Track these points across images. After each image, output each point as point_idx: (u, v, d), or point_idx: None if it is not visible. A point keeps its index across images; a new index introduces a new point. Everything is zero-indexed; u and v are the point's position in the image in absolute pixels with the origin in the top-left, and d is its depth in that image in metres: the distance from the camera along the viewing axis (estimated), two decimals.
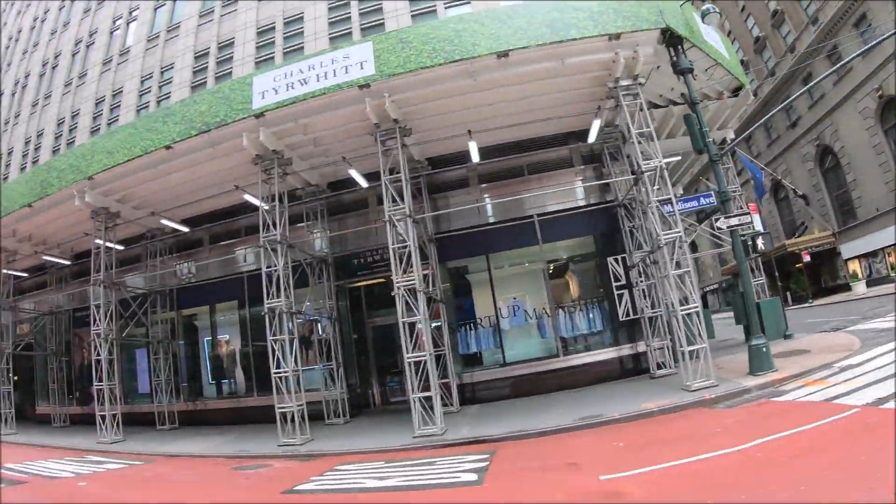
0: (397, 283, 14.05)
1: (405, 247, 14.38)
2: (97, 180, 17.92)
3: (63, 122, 31.33)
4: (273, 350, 14.94)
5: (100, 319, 18.23)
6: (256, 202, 17.76)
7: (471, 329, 18.55)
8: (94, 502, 10.09)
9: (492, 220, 19.00)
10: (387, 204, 14.69)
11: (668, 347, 17.03)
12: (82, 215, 19.64)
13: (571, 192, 18.92)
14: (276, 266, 15.37)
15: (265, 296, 15.27)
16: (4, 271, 23.05)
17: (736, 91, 19.99)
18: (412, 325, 14.06)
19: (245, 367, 20.94)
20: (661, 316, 17.04)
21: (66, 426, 24.14)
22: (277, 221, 15.73)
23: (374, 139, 15.76)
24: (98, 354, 18.20)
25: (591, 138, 18.15)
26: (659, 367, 16.90)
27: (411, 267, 14.23)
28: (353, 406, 18.22)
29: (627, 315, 17.49)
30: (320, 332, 18.46)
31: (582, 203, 18.75)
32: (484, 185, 19.28)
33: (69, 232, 21.94)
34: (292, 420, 14.67)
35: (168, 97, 26.61)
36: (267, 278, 15.36)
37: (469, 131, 16.68)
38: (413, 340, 13.98)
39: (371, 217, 19.53)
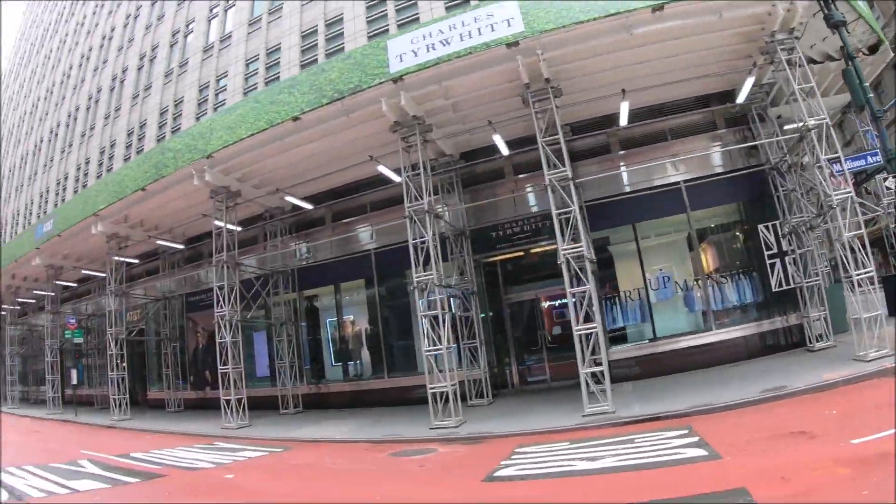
0: (563, 251, 13.07)
1: (569, 212, 13.29)
2: (217, 158, 17.42)
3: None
4: (424, 327, 14.07)
5: (223, 301, 17.68)
6: (390, 173, 17.12)
7: (614, 304, 17.32)
8: (280, 502, 9.10)
9: (628, 189, 17.66)
10: (546, 168, 13.81)
11: (825, 319, 15.48)
12: (198, 196, 19.32)
13: (714, 157, 17.47)
14: (423, 237, 14.45)
15: (413, 269, 14.38)
16: (116, 258, 22.84)
17: (873, 49, 18.28)
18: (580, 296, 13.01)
19: (373, 348, 20.18)
20: (819, 285, 15.57)
21: (181, 411, 24.02)
22: (424, 189, 14.74)
23: (520, 101, 14.89)
24: (222, 337, 17.71)
25: (741, 98, 16.58)
26: (817, 340, 15.34)
27: (577, 234, 13.17)
28: (491, 386, 17.18)
29: (780, 285, 15.93)
30: (453, 309, 17.43)
31: (726, 168, 17.18)
32: (622, 152, 17.93)
33: (184, 215, 21.75)
34: (444, 401, 13.72)
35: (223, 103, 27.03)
36: (414, 250, 14.47)
37: (623, 90, 15.39)
38: (582, 311, 12.88)
39: (507, 187, 18.57)
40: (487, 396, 16.54)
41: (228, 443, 15.10)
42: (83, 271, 27.88)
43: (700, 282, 17.03)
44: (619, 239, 17.92)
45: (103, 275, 27.59)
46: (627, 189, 17.60)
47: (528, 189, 18.59)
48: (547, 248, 17.62)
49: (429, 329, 14.03)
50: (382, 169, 17.05)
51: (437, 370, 13.88)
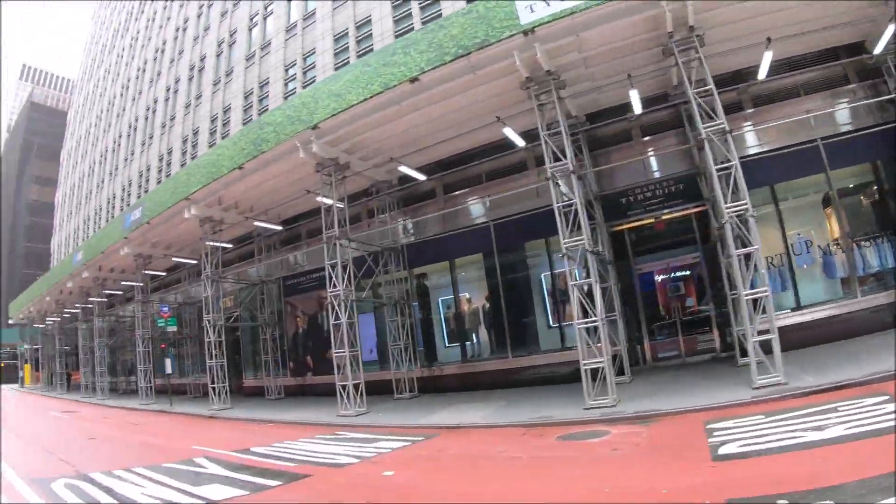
0: (728, 210, 11.79)
1: (729, 167, 11.99)
2: (324, 128, 16.26)
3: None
4: (576, 297, 12.64)
5: (337, 279, 16.59)
6: (515, 136, 15.83)
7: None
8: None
9: (762, 148, 15.92)
10: (700, 121, 12.47)
11: None
12: (301, 172, 18.39)
13: (850, 112, 15.57)
14: (570, 200, 13.05)
15: (561, 234, 12.88)
16: (209, 243, 22.11)
17: None
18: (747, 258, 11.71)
19: (491, 326, 18.90)
20: None
21: (281, 398, 23.26)
22: (567, 149, 13.30)
23: (654, 55, 13.86)
24: (336, 318, 16.60)
25: (879, 48, 14.75)
26: None
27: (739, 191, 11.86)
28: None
29: None
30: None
31: (863, 125, 15.27)
32: (751, 110, 16.14)
33: (281, 194, 20.87)
34: (593, 378, 12.36)
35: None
36: (560, 214, 13.01)
37: (769, 39, 13.73)
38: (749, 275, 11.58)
39: (634, 150, 17.08)
40: (626, 373, 15.06)
41: (354, 432, 13.82)
42: (173, 259, 27.49)
43: (841, 246, 15.22)
44: (755, 202, 16.25)
45: (194, 262, 27.28)
46: (764, 148, 15.87)
47: (659, 151, 17.06)
48: (680, 213, 16.62)
49: (581, 299, 12.63)
50: (508, 132, 15.70)
51: (593, 344, 12.50)
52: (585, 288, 12.72)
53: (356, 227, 20.38)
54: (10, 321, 58.92)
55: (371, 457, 10.39)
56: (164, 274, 30.59)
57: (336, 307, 16.62)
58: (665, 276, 17.62)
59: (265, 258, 24.53)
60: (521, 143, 16.41)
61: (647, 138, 17.28)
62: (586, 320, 12.48)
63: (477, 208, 19.31)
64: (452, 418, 13.81)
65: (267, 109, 27.85)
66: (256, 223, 22.31)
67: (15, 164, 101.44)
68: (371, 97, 15.06)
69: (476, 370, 18.71)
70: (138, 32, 51.60)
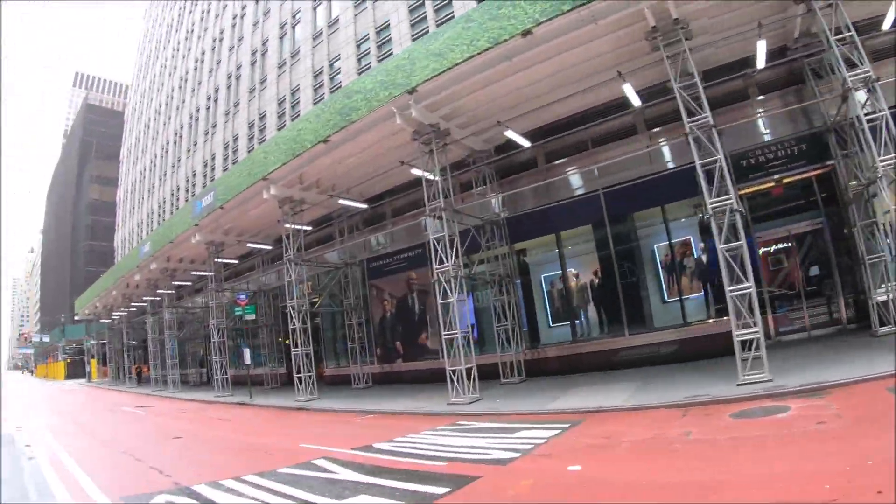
0: (882, 163, 10.67)
1: (877, 119, 10.82)
2: (422, 91, 14.91)
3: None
4: (724, 262, 11.23)
5: (445, 255, 15.26)
6: (633, 94, 14.44)
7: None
8: None
9: None
10: (843, 69, 11.44)
11: None
12: (392, 142, 17.26)
13: None
14: (713, 157, 11.54)
15: (705, 194, 11.46)
16: (289, 225, 21.04)
17: None
18: None
19: (603, 304, 17.52)
20: None
21: (369, 387, 22.19)
22: (704, 101, 11.81)
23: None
24: (444, 297, 15.26)
25: None
26: None
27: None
28: None
29: None
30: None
31: None
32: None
33: (367, 169, 19.78)
34: (748, 348, 11.00)
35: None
36: (702, 173, 11.54)
37: None
38: None
39: (744, 112, 15.46)
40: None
41: (478, 421, 12.31)
42: (248, 245, 26.65)
43: None
44: None
45: (268, 247, 26.42)
46: None
47: (777, 110, 15.50)
48: (801, 176, 15.22)
49: (730, 264, 11.16)
50: (627, 89, 14.22)
51: (747, 313, 11.06)
52: (733, 252, 11.22)
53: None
54: (76, 317, 59.57)
55: (530, 449, 8.86)
56: (236, 262, 29.73)
57: (444, 284, 15.31)
58: (786, 244, 16.01)
59: (347, 240, 23.44)
60: (636, 101, 14.95)
61: (761, 97, 15.88)
62: (740, 287, 11.00)
63: (579, 177, 17.91)
64: (587, 401, 12.43)
65: (339, 86, 26.74)
66: (341, 201, 21.23)
67: (74, 167, 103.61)
68: (478, 54, 13.64)
69: (582, 351, 17.37)
70: (193, 25, 51.68)
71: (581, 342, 17.70)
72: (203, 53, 46.93)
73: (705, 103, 11.84)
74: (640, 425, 9.80)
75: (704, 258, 16.07)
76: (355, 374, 22.49)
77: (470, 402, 14.49)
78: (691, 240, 16.44)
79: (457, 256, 15.49)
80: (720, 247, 11.28)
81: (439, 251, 15.46)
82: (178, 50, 54.27)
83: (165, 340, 33.57)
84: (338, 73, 28.69)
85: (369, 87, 16.15)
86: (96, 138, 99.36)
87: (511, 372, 17.30)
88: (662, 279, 16.82)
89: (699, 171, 11.61)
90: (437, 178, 15.61)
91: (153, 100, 59.68)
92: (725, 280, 11.29)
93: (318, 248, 25.09)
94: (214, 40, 45.01)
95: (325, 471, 8.81)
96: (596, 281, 17.64)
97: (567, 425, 10.52)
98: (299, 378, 19.90)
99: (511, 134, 16.61)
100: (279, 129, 30.19)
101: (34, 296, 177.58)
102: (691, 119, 11.83)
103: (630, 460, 7.89)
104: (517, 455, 8.54)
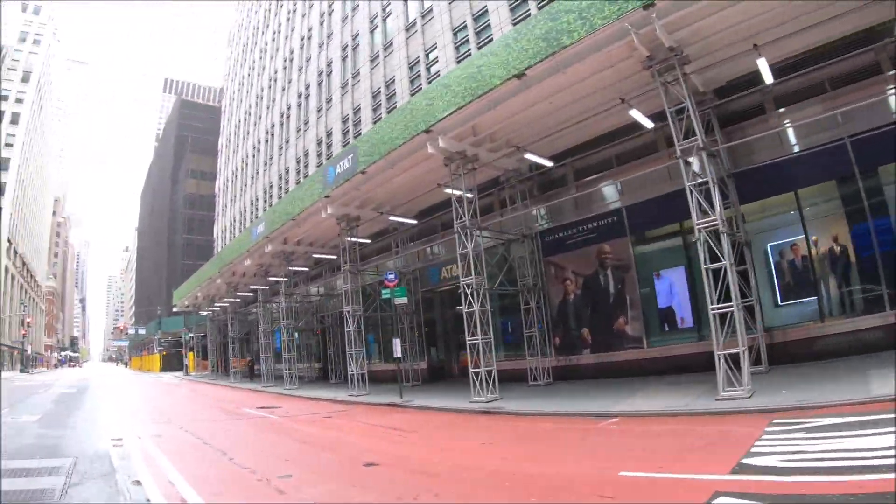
0: None
1: None
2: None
3: None
4: None
5: (706, 205, 11.07)
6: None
7: None
8: None
9: None
10: None
11: None
12: (609, 77, 13.90)
13: None
14: None
15: None
16: (449, 190, 17.26)
17: None
18: None
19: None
20: None
21: (551, 384, 18.28)
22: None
23: None
24: (713, 260, 11.27)
25: None
26: None
27: None
28: None
29: None
30: None
31: None
32: None
33: (556, 118, 15.99)
34: None
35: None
36: None
37: None
38: None
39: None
40: None
41: (801, 417, 8.57)
42: (390, 218, 23.05)
43: None
44: None
45: (412, 222, 22.80)
46: None
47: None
48: None
49: None
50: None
51: None
52: None
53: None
54: (175, 308, 58.30)
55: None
56: (368, 241, 25.91)
57: (711, 243, 11.23)
58: None
59: (520, 208, 19.32)
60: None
61: (781, 109, 14.75)
62: None
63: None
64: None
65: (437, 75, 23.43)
66: (528, 156, 17.54)
67: (169, 164, 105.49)
68: None
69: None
70: (280, 25, 52.35)
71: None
72: (291, 52, 48.13)
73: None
74: None
75: None
76: (532, 369, 18.38)
77: (748, 397, 10.80)
78: None
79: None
80: None
81: (701, 200, 11.74)
82: (278, 32, 53.43)
83: (281, 331, 30.15)
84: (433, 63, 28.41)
85: (585, 4, 12.32)
86: (191, 133, 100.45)
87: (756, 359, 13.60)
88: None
89: None
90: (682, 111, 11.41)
91: (253, 85, 58.92)
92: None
93: (484, 217, 21.10)
94: (302, 38, 46.22)
95: None
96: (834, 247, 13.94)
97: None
98: (475, 373, 15.88)
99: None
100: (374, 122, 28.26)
101: (129, 291, 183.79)
102: None
103: None
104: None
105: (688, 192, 12.08)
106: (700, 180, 12.02)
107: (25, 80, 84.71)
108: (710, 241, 11.78)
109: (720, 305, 11.58)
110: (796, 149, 14.69)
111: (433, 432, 12.96)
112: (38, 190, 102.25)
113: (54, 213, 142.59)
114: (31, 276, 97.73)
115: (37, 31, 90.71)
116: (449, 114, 15.40)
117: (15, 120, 79.65)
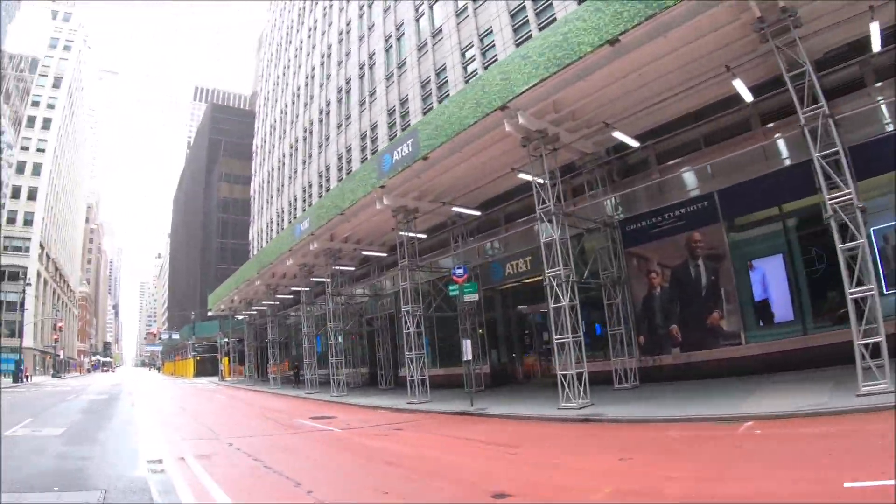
0: None
1: None
2: None
3: None
4: None
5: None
6: None
7: None
8: None
9: None
10: None
11: None
12: (711, 42, 12.46)
13: None
14: None
15: None
16: (524, 176, 15.54)
17: None
18: None
19: None
20: None
21: (638, 386, 16.62)
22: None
23: None
24: (851, 240, 9.68)
25: None
26: None
27: None
28: None
29: None
30: None
31: None
32: None
33: (647, 92, 14.52)
34: None
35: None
36: None
37: None
38: None
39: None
40: None
41: None
42: (453, 209, 21.43)
43: None
44: None
45: (475, 213, 21.05)
46: None
47: None
48: None
49: None
50: None
51: None
52: None
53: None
54: (210, 313, 57.24)
55: None
56: (424, 236, 23.98)
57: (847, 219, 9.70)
58: None
59: (599, 195, 17.60)
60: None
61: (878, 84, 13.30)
62: None
63: None
64: None
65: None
66: (616, 134, 15.87)
67: (202, 169, 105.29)
68: None
69: None
70: (315, 21, 51.48)
71: None
72: (329, 47, 47.36)
73: None
74: None
75: None
76: (618, 370, 16.69)
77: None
78: None
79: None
80: None
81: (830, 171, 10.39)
82: (314, 29, 52.46)
83: (331, 335, 28.43)
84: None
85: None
86: (223, 137, 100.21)
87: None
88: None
89: None
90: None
91: (289, 84, 58.07)
92: None
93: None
94: (340, 33, 45.41)
95: None
96: None
97: None
98: (563, 376, 14.15)
99: None
100: (424, 113, 27.45)
101: (162, 296, 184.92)
102: None
103: None
104: None
105: (815, 164, 10.55)
106: (829, 150, 10.35)
107: (56, 85, 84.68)
108: (845, 218, 10.13)
109: (858, 289, 9.97)
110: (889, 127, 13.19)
111: (541, 447, 10.99)
112: (70, 196, 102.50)
113: (87, 220, 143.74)
114: (65, 281, 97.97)
115: (67, 38, 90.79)
116: (530, 87, 13.75)
117: (46, 125, 79.63)
